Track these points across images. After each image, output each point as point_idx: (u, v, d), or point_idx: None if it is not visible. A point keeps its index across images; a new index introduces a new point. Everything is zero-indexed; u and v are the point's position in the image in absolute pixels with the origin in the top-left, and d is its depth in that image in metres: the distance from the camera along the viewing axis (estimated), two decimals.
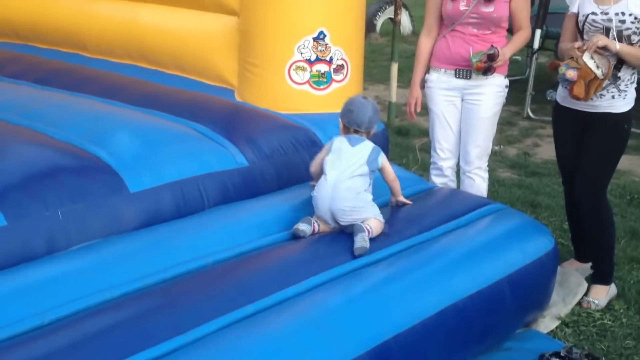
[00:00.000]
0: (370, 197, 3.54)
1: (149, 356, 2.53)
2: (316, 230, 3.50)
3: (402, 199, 3.80)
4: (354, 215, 3.43)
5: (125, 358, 2.50)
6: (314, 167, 3.69)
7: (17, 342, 2.59)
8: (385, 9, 12.90)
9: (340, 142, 3.59)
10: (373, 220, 3.46)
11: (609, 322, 3.86)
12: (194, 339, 2.64)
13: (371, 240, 3.38)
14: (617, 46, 3.76)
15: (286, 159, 4.05)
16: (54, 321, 2.73)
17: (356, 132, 3.59)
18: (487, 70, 4.20)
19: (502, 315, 3.48)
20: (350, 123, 3.59)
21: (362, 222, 3.42)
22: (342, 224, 3.46)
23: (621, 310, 3.97)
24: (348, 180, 3.46)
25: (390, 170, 3.68)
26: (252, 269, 3.17)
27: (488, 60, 4.13)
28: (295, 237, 3.45)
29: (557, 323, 3.86)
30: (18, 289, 2.84)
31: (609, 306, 4.03)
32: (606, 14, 3.82)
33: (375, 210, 3.51)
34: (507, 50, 4.20)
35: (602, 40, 3.75)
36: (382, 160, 3.59)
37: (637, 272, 4.40)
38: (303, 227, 3.45)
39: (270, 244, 3.39)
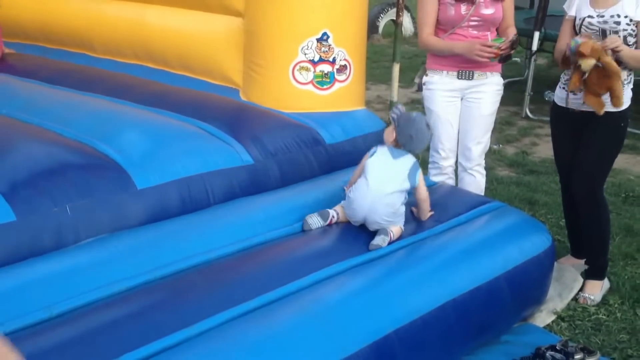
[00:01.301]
0: (403, 209, 3.60)
1: (155, 348, 2.58)
2: (334, 220, 3.59)
3: (426, 217, 3.79)
4: (385, 225, 3.52)
5: (132, 350, 2.55)
6: (359, 169, 3.68)
7: (27, 333, 2.64)
8: (388, 10, 12.93)
9: (383, 151, 3.62)
10: (397, 227, 3.55)
11: (603, 317, 3.91)
12: (199, 332, 2.69)
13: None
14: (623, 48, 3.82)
15: (290, 157, 4.09)
16: (61, 314, 2.78)
17: (399, 146, 3.63)
18: (504, 58, 4.25)
19: (500, 310, 3.54)
20: (405, 146, 3.61)
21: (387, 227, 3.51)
22: (371, 228, 3.54)
23: (616, 305, 4.02)
24: (389, 197, 3.50)
25: (423, 189, 3.67)
26: (256, 264, 3.23)
27: (510, 47, 4.18)
28: (305, 229, 3.55)
29: (554, 317, 3.91)
30: (27, 282, 2.88)
31: (604, 301, 4.09)
32: (602, 16, 3.88)
33: (402, 220, 3.60)
34: None
35: (617, 41, 3.80)
36: (419, 178, 3.60)
37: (631, 267, 4.46)
38: (311, 220, 3.54)
39: (275, 238, 3.46)
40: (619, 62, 3.82)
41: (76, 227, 3.21)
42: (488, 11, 4.25)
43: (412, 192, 3.65)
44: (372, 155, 3.62)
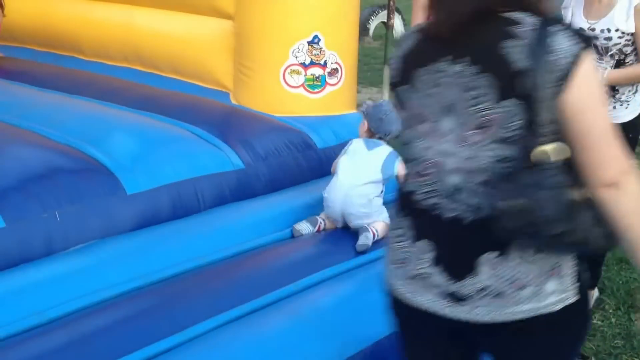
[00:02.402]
0: (381, 201, 3.60)
1: (146, 354, 2.57)
2: (322, 228, 3.59)
3: None
4: (365, 219, 3.51)
5: (123, 356, 2.53)
6: (333, 167, 3.74)
7: (16, 340, 2.62)
8: (378, 13, 12.94)
9: (357, 144, 3.66)
10: (380, 223, 3.54)
11: (598, 322, 3.90)
12: (190, 338, 2.68)
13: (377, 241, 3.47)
14: (604, 75, 3.65)
15: (281, 161, 4.08)
16: (52, 320, 2.76)
17: (373, 135, 3.68)
18: None
19: None
20: (377, 130, 3.66)
21: (369, 224, 3.50)
22: (352, 225, 3.54)
23: (610, 310, 4.01)
24: (360, 187, 3.51)
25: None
26: (247, 269, 3.21)
27: None
28: (294, 235, 3.55)
29: None
30: (17, 289, 2.86)
31: (599, 306, 4.08)
32: (593, 29, 3.79)
33: (384, 214, 3.57)
34: None
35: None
36: (400, 167, 3.58)
37: (625, 272, 4.44)
38: (299, 227, 3.54)
39: (265, 244, 3.45)
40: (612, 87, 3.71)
41: (66, 232, 3.20)
42: None
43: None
44: (344, 153, 3.68)
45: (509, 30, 1.72)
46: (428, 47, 1.87)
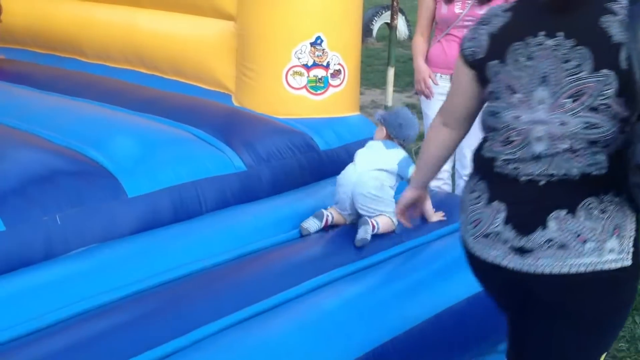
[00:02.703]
0: (392, 193, 3.60)
1: (148, 358, 2.55)
2: (329, 222, 3.57)
3: (433, 219, 3.74)
4: (373, 205, 3.50)
5: None
6: None
7: (16, 345, 2.60)
8: (382, 14, 12.95)
9: (375, 143, 3.72)
10: (383, 217, 3.52)
11: None
12: (192, 341, 2.66)
13: (375, 236, 3.45)
14: None
15: (283, 163, 4.06)
16: (52, 324, 2.75)
17: (392, 140, 3.73)
18: None
19: (497, 318, 3.49)
20: (397, 135, 3.72)
21: (372, 217, 3.48)
22: (360, 211, 3.52)
23: None
24: (376, 171, 3.55)
25: None
26: (250, 272, 3.19)
27: None
28: (302, 234, 3.54)
29: None
30: (17, 293, 2.85)
31: None
32: None
33: (393, 208, 3.53)
34: None
35: None
36: (413, 171, 3.57)
37: None
38: (307, 225, 3.52)
39: (268, 246, 3.43)
40: None
41: (66, 236, 3.18)
42: (482, 12, 4.21)
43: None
44: (362, 148, 3.73)
45: (607, 7, 1.98)
46: (521, 24, 2.10)
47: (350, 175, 3.58)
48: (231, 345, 2.66)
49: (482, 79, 2.20)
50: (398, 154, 3.67)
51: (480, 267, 2.27)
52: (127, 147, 3.69)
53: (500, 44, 2.12)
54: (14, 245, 3.03)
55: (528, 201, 2.08)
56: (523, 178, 2.08)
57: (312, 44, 4.40)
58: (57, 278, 2.98)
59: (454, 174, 4.57)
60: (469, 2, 4.19)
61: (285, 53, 4.40)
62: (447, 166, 4.56)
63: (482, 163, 2.21)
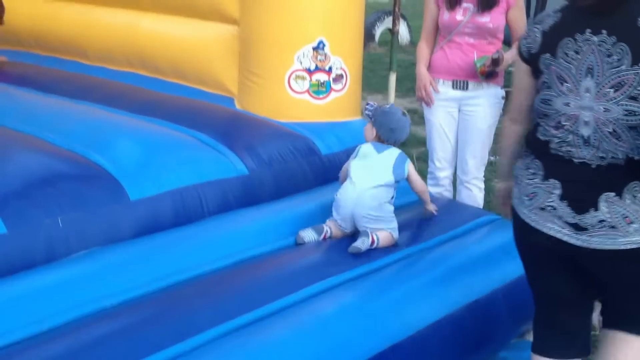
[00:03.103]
0: (391, 208, 3.59)
1: None
2: (327, 235, 3.57)
3: (431, 208, 3.82)
4: (373, 224, 3.49)
5: None
6: (343, 172, 3.76)
7: (17, 349, 2.60)
8: (384, 19, 12.95)
9: (366, 148, 3.66)
10: (385, 233, 3.52)
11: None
12: (192, 347, 2.65)
13: (375, 249, 3.46)
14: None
15: (285, 167, 4.06)
16: (53, 328, 2.74)
17: (382, 142, 3.69)
18: (490, 75, 4.24)
19: (497, 325, 3.50)
20: (388, 139, 3.68)
21: (373, 230, 3.48)
22: (361, 229, 3.51)
23: None
24: (373, 190, 3.51)
25: (416, 179, 3.70)
26: (250, 277, 3.19)
27: (492, 64, 4.18)
28: (298, 243, 3.53)
29: None
30: (18, 296, 2.85)
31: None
32: None
33: (393, 224, 3.57)
34: (509, 56, 4.23)
35: None
36: (409, 168, 3.63)
37: None
38: (303, 234, 3.52)
39: (269, 252, 3.43)
40: None
41: (68, 239, 3.19)
42: (483, 19, 4.22)
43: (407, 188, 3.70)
44: (355, 157, 3.67)
45: None
46: (570, 23, 2.44)
47: (349, 195, 3.53)
48: (231, 350, 2.65)
49: (536, 71, 2.55)
50: (391, 155, 3.62)
51: (532, 236, 2.56)
52: (130, 151, 3.70)
53: (551, 40, 2.47)
54: (15, 248, 3.03)
55: (581, 181, 2.42)
56: (576, 160, 2.42)
57: (314, 48, 4.41)
58: (59, 281, 2.98)
59: (455, 180, 4.58)
60: (470, 9, 4.20)
61: (288, 57, 4.41)
62: (448, 173, 4.57)
63: (538, 145, 2.54)
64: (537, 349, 2.87)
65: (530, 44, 2.55)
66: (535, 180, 2.53)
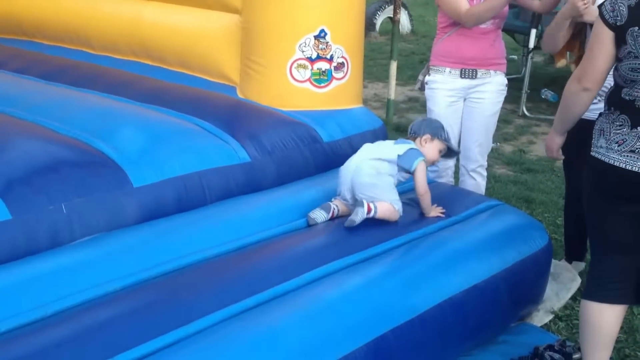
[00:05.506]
0: (391, 180, 3.61)
1: (150, 348, 2.56)
2: (335, 214, 3.60)
3: (431, 215, 3.75)
4: (370, 192, 3.52)
5: (127, 350, 2.53)
6: None
7: (21, 333, 2.63)
8: (385, 8, 12.93)
9: (388, 141, 3.80)
10: (385, 203, 3.53)
11: None
12: (195, 331, 2.68)
13: (375, 223, 3.48)
14: None
15: (287, 155, 4.08)
16: (56, 313, 2.77)
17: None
18: None
19: (497, 309, 3.53)
20: (417, 131, 3.80)
21: (369, 200, 3.49)
22: (358, 199, 3.53)
23: None
24: (373, 161, 3.58)
25: (421, 180, 3.65)
26: (252, 262, 3.21)
27: None
28: (309, 224, 3.57)
29: (551, 317, 3.91)
30: (22, 281, 2.87)
31: None
32: None
33: (393, 196, 3.58)
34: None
35: None
36: (418, 166, 3.62)
37: None
38: (314, 215, 3.56)
39: (271, 237, 3.45)
40: None
41: (71, 225, 3.21)
42: None
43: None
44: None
45: None
46: None
47: (351, 164, 3.61)
48: (234, 334, 2.67)
49: (619, 41, 2.88)
50: (405, 146, 3.66)
51: (621, 176, 2.93)
52: (133, 138, 3.71)
53: (638, 13, 2.82)
54: (19, 234, 3.05)
55: None
56: None
57: (315, 37, 4.42)
58: (63, 267, 3.00)
59: (459, 170, 4.60)
60: None
61: (289, 46, 4.42)
62: (451, 163, 4.58)
63: (623, 103, 2.95)
64: (593, 295, 3.12)
65: (617, 17, 2.87)
66: (623, 129, 2.93)
